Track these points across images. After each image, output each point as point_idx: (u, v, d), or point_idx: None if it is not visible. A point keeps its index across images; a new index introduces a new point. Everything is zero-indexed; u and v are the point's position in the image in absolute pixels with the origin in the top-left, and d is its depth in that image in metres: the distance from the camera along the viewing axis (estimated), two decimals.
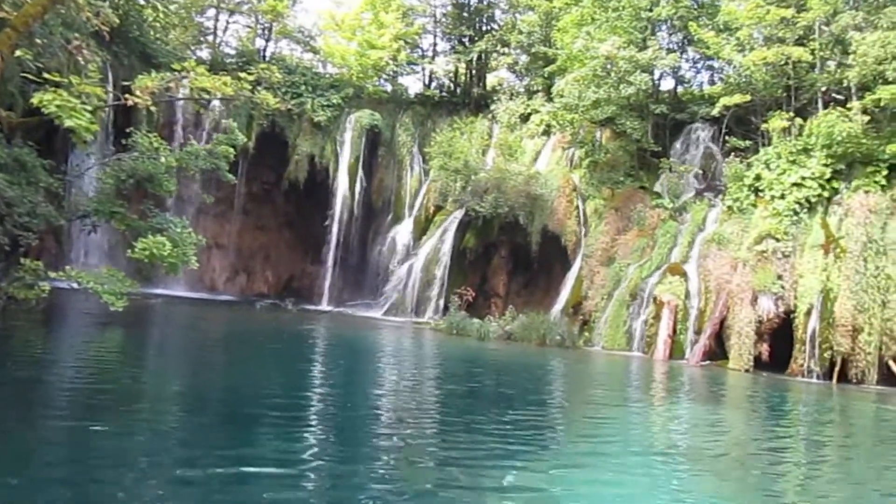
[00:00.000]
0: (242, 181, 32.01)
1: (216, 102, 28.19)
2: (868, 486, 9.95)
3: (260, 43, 38.19)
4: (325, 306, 32.64)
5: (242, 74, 19.39)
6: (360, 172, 34.44)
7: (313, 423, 10.25)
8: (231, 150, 20.76)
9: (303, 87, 34.36)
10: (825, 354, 22.67)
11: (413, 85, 40.72)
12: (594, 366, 22.98)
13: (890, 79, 23.78)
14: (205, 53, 36.44)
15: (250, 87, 19.37)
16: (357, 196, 34.13)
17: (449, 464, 8.32)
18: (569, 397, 16.50)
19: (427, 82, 40.37)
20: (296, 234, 35.96)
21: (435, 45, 40.57)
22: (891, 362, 22.42)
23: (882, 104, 24.17)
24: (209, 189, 28.84)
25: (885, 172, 24.28)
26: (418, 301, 30.67)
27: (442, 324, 27.30)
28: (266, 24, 37.72)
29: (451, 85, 40.13)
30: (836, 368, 22.56)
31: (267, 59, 35.91)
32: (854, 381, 22.31)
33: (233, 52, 37.29)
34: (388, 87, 38.29)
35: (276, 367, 15.63)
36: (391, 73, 37.92)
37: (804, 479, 10.15)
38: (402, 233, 33.31)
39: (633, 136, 29.43)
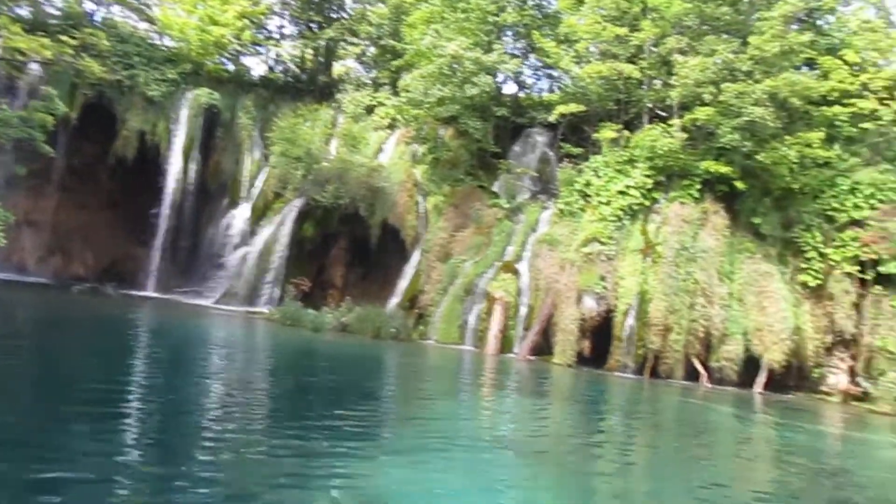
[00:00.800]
0: (62, 154, 29.46)
1: (34, 66, 25.81)
2: (671, 471, 10.80)
3: (89, 6, 35.34)
4: (150, 292, 30.75)
5: (65, 38, 17.88)
6: (196, 153, 32.69)
7: (131, 420, 9.49)
8: (49, 118, 19.05)
9: (136, 59, 32.10)
10: (639, 351, 24.43)
11: (257, 67, 39.30)
12: (427, 359, 23.32)
13: (706, 101, 25.93)
14: (24, 11, 33.16)
15: (73, 53, 17.91)
16: (191, 178, 32.37)
17: (276, 464, 8.03)
18: (401, 391, 16.63)
19: (272, 65, 39.16)
20: (121, 213, 33.50)
21: (282, 27, 39.42)
22: (695, 359, 24.53)
23: (699, 123, 26.31)
24: (22, 160, 26.27)
25: (698, 186, 26.51)
26: (252, 290, 29.67)
27: (276, 314, 26.60)
28: None
29: (297, 70, 39.17)
30: (649, 364, 24.39)
31: (96, 23, 33.28)
32: (663, 376, 24.21)
33: (57, 12, 34.21)
34: (230, 67, 36.73)
35: (91, 359, 14.49)
36: (234, 52, 36.35)
37: (617, 466, 10.83)
38: (239, 219, 32.06)
39: (474, 136, 30.18)
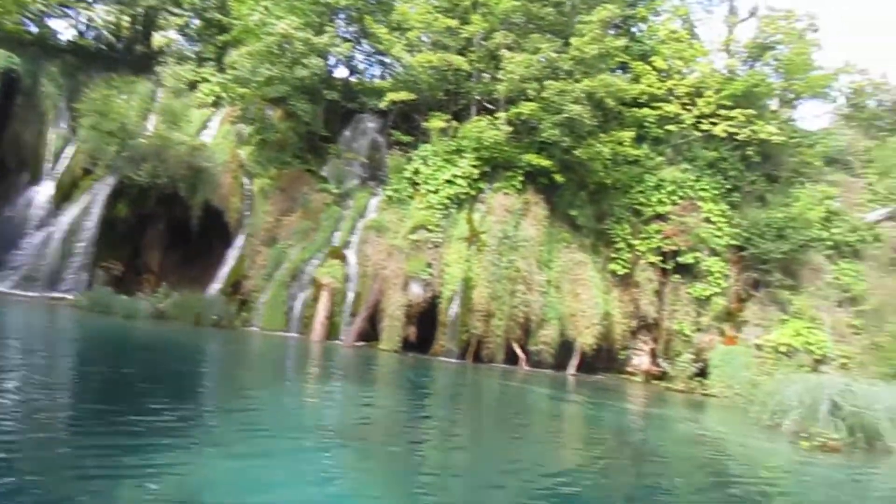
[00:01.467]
0: None
1: None
2: (490, 451, 11.16)
3: None
4: None
5: None
6: None
7: None
8: None
9: None
10: (463, 336, 25.10)
11: (65, 31, 35.93)
12: (250, 347, 22.60)
13: (531, 96, 27.00)
14: None
15: None
16: None
17: (83, 470, 7.27)
18: (221, 381, 15.93)
19: (82, 30, 36.02)
20: None
21: None
22: (515, 344, 25.59)
23: (523, 118, 27.37)
24: None
25: (521, 178, 27.57)
26: (55, 274, 27.18)
27: (82, 300, 24.58)
28: None
29: (112, 38, 36.29)
30: (472, 349, 25.13)
31: None
32: (486, 360, 25.05)
33: None
34: (34, 29, 33.35)
35: None
36: (38, 12, 33.05)
37: (440, 449, 11.02)
38: (41, 196, 29.20)
39: (304, 118, 29.49)
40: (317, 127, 30.10)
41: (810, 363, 24.25)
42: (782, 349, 25.33)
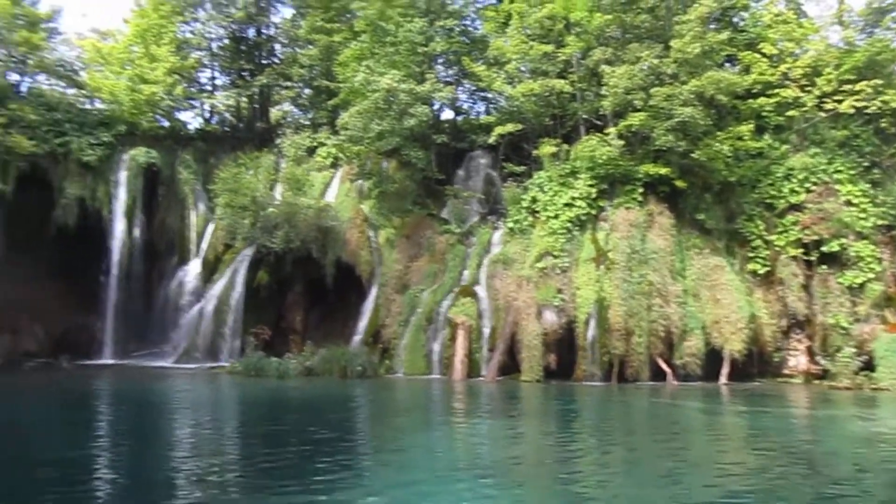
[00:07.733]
0: (1, 228, 28.92)
1: None
2: (651, 476, 10.90)
3: (14, 77, 34.77)
4: (107, 360, 30.06)
5: None
6: (139, 214, 32.31)
7: (97, 490, 9.28)
8: None
9: (67, 125, 31.63)
10: (604, 358, 24.66)
11: (193, 120, 39.02)
12: (396, 392, 23.21)
13: (638, 106, 26.55)
14: None
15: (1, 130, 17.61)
16: (136, 239, 31.93)
17: None
18: (372, 428, 16.45)
19: (208, 117, 39.00)
20: (68, 283, 32.57)
21: (214, 79, 39.30)
22: (659, 359, 24.87)
23: (633, 129, 26.92)
24: None
25: (640, 190, 27.05)
26: (211, 344, 29.18)
27: (238, 366, 26.16)
28: (20, 57, 34.41)
29: (234, 119, 39.04)
30: (615, 370, 24.64)
31: (22, 94, 32.79)
32: (630, 379, 24.47)
33: None
34: (165, 123, 36.36)
35: (45, 431, 14.11)
36: (167, 108, 36.05)
37: (598, 478, 10.84)
38: (190, 275, 31.68)
39: (417, 165, 30.42)
40: (431, 171, 30.94)
41: None
42: None
